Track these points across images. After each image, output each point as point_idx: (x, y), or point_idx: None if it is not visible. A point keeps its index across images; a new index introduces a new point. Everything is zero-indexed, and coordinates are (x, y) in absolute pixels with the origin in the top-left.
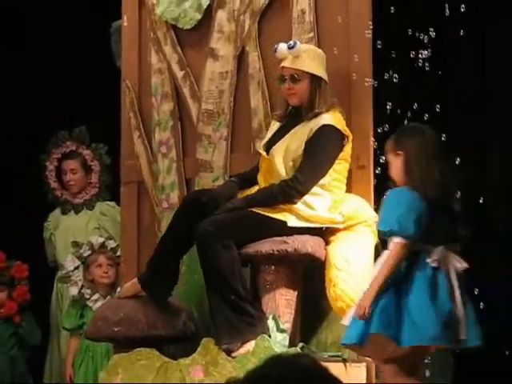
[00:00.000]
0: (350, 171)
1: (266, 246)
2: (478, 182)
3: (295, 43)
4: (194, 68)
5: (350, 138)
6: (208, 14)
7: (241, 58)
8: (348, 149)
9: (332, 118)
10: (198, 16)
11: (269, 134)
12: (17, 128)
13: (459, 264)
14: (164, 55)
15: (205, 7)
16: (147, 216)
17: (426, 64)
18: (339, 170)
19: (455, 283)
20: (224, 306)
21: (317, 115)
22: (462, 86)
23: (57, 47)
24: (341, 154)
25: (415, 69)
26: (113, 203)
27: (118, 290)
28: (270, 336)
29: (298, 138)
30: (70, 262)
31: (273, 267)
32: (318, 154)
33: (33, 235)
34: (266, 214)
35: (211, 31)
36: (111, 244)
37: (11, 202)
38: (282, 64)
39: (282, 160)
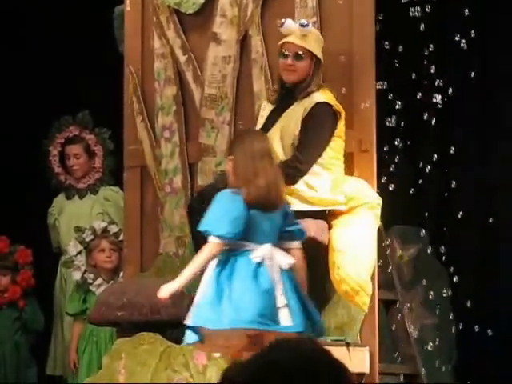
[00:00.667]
0: (352, 155)
1: None
2: None
3: (308, 23)
4: (197, 52)
5: (343, 114)
6: None
7: (244, 43)
8: (341, 125)
9: (324, 95)
10: (201, 0)
11: (262, 119)
12: (20, 113)
13: (284, 260)
14: (167, 40)
15: None
16: (150, 201)
17: (430, 46)
18: (335, 147)
19: (276, 276)
20: None
21: (309, 94)
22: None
23: (60, 31)
24: (335, 131)
25: (418, 52)
26: (116, 188)
27: (121, 274)
28: None
29: (292, 118)
30: (72, 247)
31: None
32: (316, 132)
33: (37, 220)
34: None
35: (214, 15)
36: (114, 229)
37: (15, 187)
38: (287, 39)
39: (279, 142)
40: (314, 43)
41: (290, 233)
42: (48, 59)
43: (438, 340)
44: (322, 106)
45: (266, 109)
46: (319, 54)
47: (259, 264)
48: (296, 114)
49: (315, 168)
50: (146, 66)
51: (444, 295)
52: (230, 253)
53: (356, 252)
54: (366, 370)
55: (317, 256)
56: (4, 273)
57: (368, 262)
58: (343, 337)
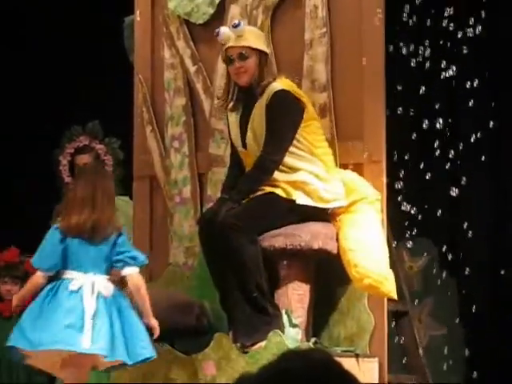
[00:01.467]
0: (362, 165)
1: (279, 240)
2: None
3: (239, 22)
4: (207, 63)
5: (305, 98)
6: (221, 9)
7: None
8: (310, 108)
9: (281, 83)
10: (211, 11)
11: (233, 130)
12: (31, 123)
13: (104, 288)
14: (177, 50)
15: (217, 2)
16: (160, 211)
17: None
18: (311, 130)
19: (91, 303)
20: (245, 302)
21: (266, 87)
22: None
23: (71, 41)
24: (305, 116)
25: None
26: (126, 198)
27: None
28: (283, 331)
29: (258, 116)
30: None
31: (285, 262)
32: (279, 120)
33: (46, 230)
34: (276, 193)
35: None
36: None
37: (24, 197)
38: (228, 45)
39: (256, 147)
40: (253, 39)
41: (122, 261)
42: (58, 70)
43: (446, 351)
44: (280, 93)
45: (232, 119)
46: (261, 47)
47: (77, 291)
48: (260, 111)
49: (305, 155)
50: (156, 76)
51: (453, 306)
52: (56, 281)
53: (368, 247)
54: (375, 380)
55: (326, 266)
56: (15, 282)
57: (381, 253)
58: (353, 348)
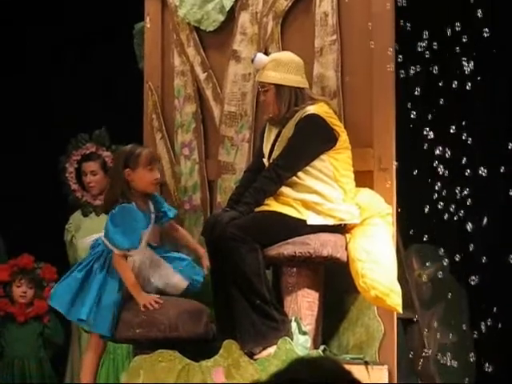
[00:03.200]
0: (371, 173)
1: (288, 248)
2: None
3: (255, 56)
4: (217, 70)
5: (339, 127)
6: (231, 16)
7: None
8: (344, 137)
9: (316, 108)
10: (221, 18)
11: (269, 142)
12: (37, 130)
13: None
14: (187, 57)
15: (228, 9)
16: None
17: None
18: (341, 158)
19: None
20: (250, 310)
21: (298, 111)
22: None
23: (80, 48)
24: (337, 144)
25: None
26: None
27: None
28: (292, 338)
29: (286, 135)
30: None
31: (294, 269)
32: (300, 140)
33: (56, 238)
34: (286, 213)
35: (234, 33)
36: None
37: (33, 205)
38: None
39: None
40: (270, 72)
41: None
42: (66, 77)
43: (456, 359)
44: (310, 116)
45: (267, 132)
46: (279, 81)
47: None
48: (289, 129)
49: (324, 178)
50: (166, 83)
51: (463, 314)
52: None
53: (376, 259)
54: None
55: (335, 273)
56: (29, 286)
57: (390, 265)
58: (362, 355)
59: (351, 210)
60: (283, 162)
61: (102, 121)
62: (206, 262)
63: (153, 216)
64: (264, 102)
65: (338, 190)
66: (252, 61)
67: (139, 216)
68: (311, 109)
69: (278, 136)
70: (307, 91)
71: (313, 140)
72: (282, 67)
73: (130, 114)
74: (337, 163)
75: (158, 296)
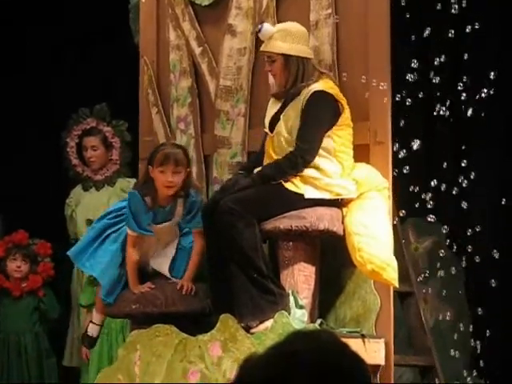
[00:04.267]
0: (367, 146)
1: (284, 221)
2: None
3: (261, 26)
4: (212, 44)
5: (344, 102)
6: None
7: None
8: (347, 114)
9: (322, 84)
10: None
11: (270, 113)
12: (38, 105)
13: None
14: (182, 31)
15: None
16: None
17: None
18: (342, 135)
19: None
20: (248, 284)
21: (304, 87)
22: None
23: (75, 24)
24: (340, 120)
25: (434, 44)
26: (134, 180)
27: None
28: (289, 312)
29: (294, 110)
30: None
31: (291, 243)
32: (313, 118)
33: (54, 213)
34: (285, 186)
35: (229, 7)
36: None
37: (32, 179)
38: (261, 49)
39: (287, 135)
40: (278, 42)
41: None
42: (64, 52)
43: (453, 332)
44: (318, 93)
45: (271, 104)
46: (289, 51)
47: None
48: (296, 106)
49: (324, 153)
50: (162, 58)
51: (460, 287)
52: None
53: (373, 233)
54: (382, 361)
55: (331, 247)
56: (24, 260)
57: (386, 239)
58: (359, 328)
59: (347, 185)
60: (307, 146)
61: (98, 96)
62: (185, 286)
63: (176, 214)
64: (270, 72)
65: (337, 165)
66: (259, 31)
67: (137, 205)
68: (317, 86)
69: (281, 109)
70: (312, 62)
71: (325, 118)
72: (290, 37)
73: (126, 89)
74: (339, 140)
75: (150, 283)
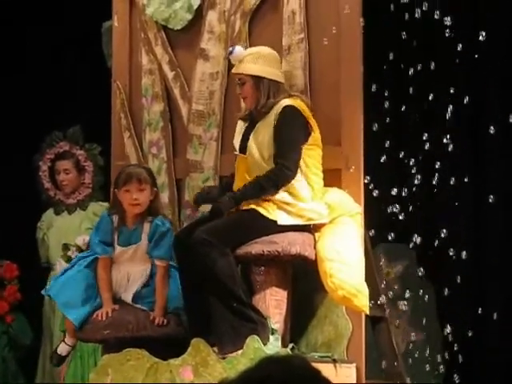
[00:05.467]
0: (339, 171)
1: (256, 247)
2: None
3: (233, 49)
4: (185, 69)
5: (314, 123)
6: (199, 15)
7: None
8: (317, 134)
9: (291, 101)
10: (189, 16)
11: (237, 137)
12: (11, 129)
13: None
14: (155, 56)
15: (195, 7)
16: None
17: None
18: (313, 155)
19: None
20: (227, 313)
21: (275, 104)
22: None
23: (49, 47)
24: (310, 140)
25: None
26: (106, 204)
27: None
28: (269, 339)
29: (264, 126)
30: (59, 266)
31: (263, 268)
32: (288, 134)
33: (24, 235)
34: (257, 212)
35: (202, 32)
36: None
37: (4, 202)
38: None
39: (258, 155)
40: (249, 64)
41: None
42: (38, 76)
43: (425, 356)
44: (289, 108)
45: (239, 127)
46: (259, 73)
47: None
48: (267, 123)
49: (298, 176)
50: (134, 82)
51: (431, 311)
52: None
53: (345, 258)
54: None
55: (303, 272)
56: None
57: (358, 266)
58: (330, 353)
59: (320, 210)
60: (288, 161)
61: (71, 120)
62: (157, 319)
63: (143, 239)
64: (240, 95)
65: (307, 188)
66: (230, 53)
67: (105, 226)
68: (287, 101)
69: (249, 129)
70: (283, 86)
71: (299, 132)
72: (261, 60)
73: (98, 113)
74: (308, 160)
75: (116, 306)
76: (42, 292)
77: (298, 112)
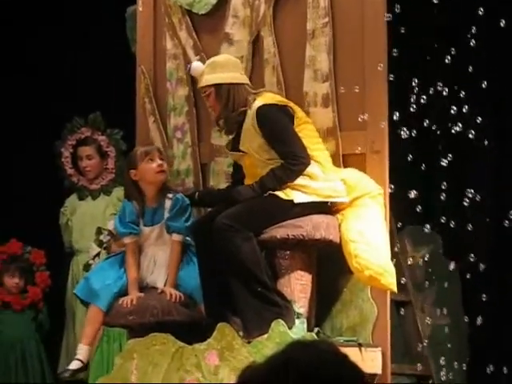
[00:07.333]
0: (364, 155)
1: (281, 231)
2: None
3: (190, 65)
4: (209, 53)
5: (292, 104)
6: None
7: (256, 43)
8: (300, 113)
9: (261, 100)
10: (213, 1)
11: (224, 140)
12: (33, 115)
13: None
14: (179, 40)
15: None
16: None
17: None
18: (305, 134)
19: None
20: (252, 298)
21: (250, 108)
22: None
23: (72, 32)
24: (295, 121)
25: (433, 56)
26: None
27: None
28: (294, 323)
29: (247, 134)
30: (93, 250)
31: (288, 252)
32: (278, 130)
33: (46, 222)
34: (275, 194)
35: (226, 16)
36: None
37: (27, 190)
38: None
39: (258, 156)
40: (207, 76)
41: None
42: (60, 61)
43: (450, 340)
44: (262, 108)
45: (218, 137)
46: (216, 81)
47: None
48: (250, 130)
49: None
50: (158, 67)
51: (456, 296)
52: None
53: (369, 239)
54: (378, 370)
55: (328, 256)
56: (20, 275)
57: (383, 246)
58: (355, 338)
59: (335, 187)
60: (296, 151)
61: (95, 105)
62: (169, 292)
63: (165, 217)
64: (210, 108)
65: (315, 165)
66: (188, 70)
67: (129, 209)
68: (257, 103)
69: (235, 141)
70: (246, 87)
71: (284, 122)
72: (218, 68)
73: (122, 98)
74: (304, 140)
75: (141, 294)
76: (74, 291)
77: (271, 106)
